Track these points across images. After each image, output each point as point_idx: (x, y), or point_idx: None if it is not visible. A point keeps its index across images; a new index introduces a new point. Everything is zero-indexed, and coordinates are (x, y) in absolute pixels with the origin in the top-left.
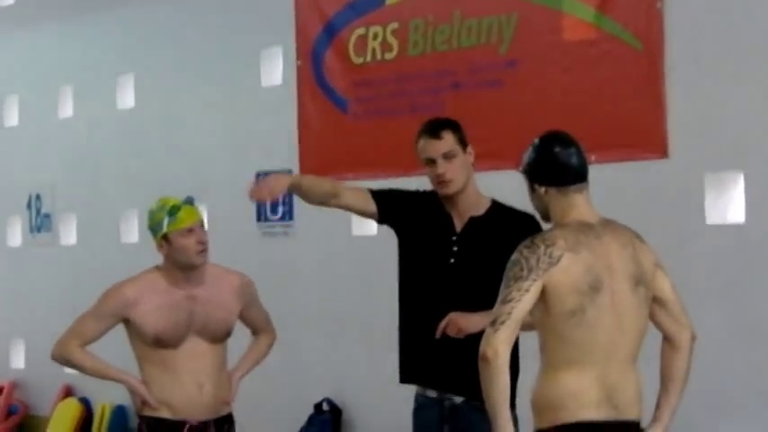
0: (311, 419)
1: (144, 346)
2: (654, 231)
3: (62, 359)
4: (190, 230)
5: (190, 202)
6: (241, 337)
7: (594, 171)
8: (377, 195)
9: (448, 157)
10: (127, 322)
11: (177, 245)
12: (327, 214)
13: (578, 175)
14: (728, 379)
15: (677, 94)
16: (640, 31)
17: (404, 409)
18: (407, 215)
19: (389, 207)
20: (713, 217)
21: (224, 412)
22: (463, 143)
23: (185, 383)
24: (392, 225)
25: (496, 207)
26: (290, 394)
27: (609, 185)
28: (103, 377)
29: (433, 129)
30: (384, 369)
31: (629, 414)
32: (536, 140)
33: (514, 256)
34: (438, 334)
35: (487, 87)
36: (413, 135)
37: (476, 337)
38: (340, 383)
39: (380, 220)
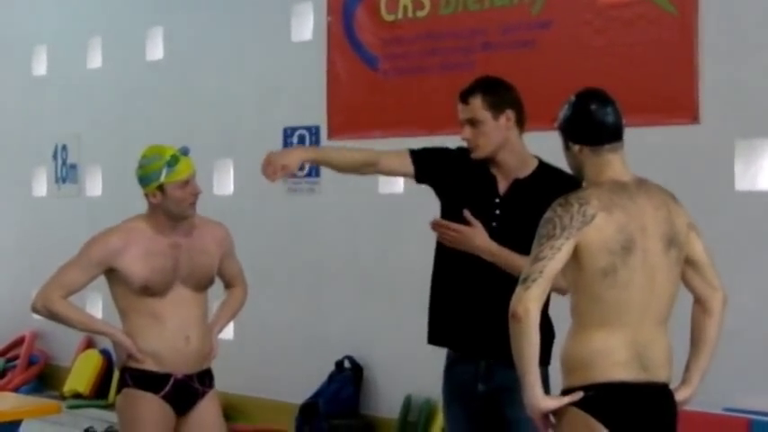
0: (332, 377)
1: (131, 296)
2: (683, 197)
3: (45, 310)
4: (186, 182)
5: (185, 152)
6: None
7: (624, 134)
8: (415, 155)
9: (473, 123)
10: (111, 272)
11: (173, 196)
12: None
13: (614, 135)
14: (756, 345)
15: (709, 59)
16: None
17: (425, 367)
18: (448, 176)
19: (427, 167)
20: (743, 183)
21: (205, 366)
22: (496, 108)
23: (172, 334)
24: (432, 186)
25: (542, 168)
26: (311, 351)
27: (638, 150)
28: (89, 330)
29: (464, 92)
30: (406, 327)
31: (658, 376)
32: (572, 97)
33: (548, 215)
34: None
35: (519, 48)
36: (442, 94)
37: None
38: (362, 341)
39: (418, 180)
